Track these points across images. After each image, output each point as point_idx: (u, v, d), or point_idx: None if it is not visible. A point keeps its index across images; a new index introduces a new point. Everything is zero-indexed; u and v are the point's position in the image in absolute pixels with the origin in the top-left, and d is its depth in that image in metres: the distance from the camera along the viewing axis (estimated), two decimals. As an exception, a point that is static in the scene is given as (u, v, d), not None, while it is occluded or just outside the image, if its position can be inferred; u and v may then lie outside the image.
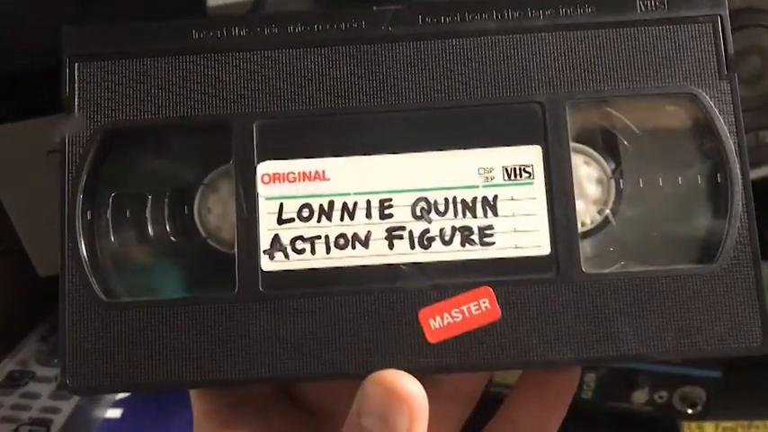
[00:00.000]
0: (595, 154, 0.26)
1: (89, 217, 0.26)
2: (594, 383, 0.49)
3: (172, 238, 0.26)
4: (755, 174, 0.42)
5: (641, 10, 0.25)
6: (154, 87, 0.25)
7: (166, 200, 0.26)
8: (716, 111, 0.25)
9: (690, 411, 0.49)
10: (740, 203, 0.24)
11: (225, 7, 0.54)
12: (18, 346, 0.49)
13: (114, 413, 0.48)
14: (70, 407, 0.45)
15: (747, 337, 0.23)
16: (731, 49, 0.26)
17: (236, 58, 0.25)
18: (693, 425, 0.54)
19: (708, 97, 0.25)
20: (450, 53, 0.25)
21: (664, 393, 0.48)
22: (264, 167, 0.25)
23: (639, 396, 0.48)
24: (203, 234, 0.26)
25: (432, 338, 0.23)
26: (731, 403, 0.57)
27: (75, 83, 0.26)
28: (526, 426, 0.27)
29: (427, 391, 0.23)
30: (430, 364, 0.23)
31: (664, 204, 0.26)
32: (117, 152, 0.26)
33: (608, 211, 0.26)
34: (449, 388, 0.29)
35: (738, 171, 0.25)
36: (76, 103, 0.26)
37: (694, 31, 0.25)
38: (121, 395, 0.50)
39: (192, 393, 0.27)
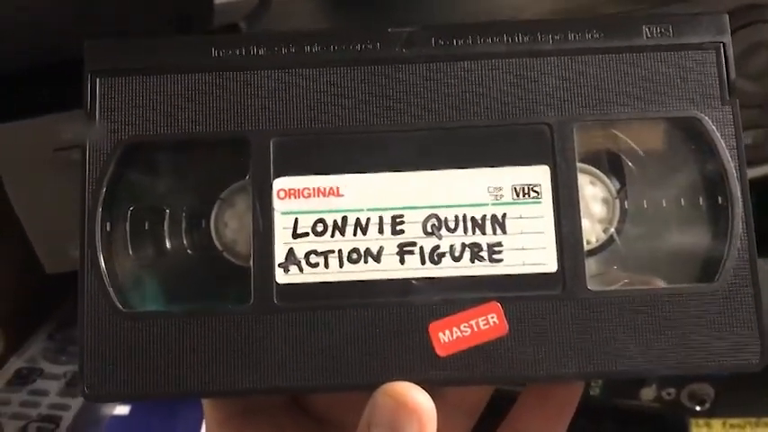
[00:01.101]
0: (601, 174, 0.27)
1: (108, 229, 0.26)
2: (602, 380, 0.49)
3: (188, 251, 0.27)
4: (761, 170, 0.42)
5: (647, 36, 0.26)
6: (173, 103, 0.26)
7: (183, 214, 0.27)
8: (718, 135, 0.26)
9: (698, 408, 0.49)
10: (740, 225, 0.25)
11: (231, 5, 0.55)
12: (26, 343, 0.49)
13: (122, 410, 0.48)
14: (79, 404, 0.45)
15: (746, 355, 0.24)
16: (733, 76, 0.26)
17: (254, 77, 0.26)
18: (701, 422, 0.54)
19: (710, 122, 0.26)
20: (461, 75, 0.26)
21: (672, 390, 0.48)
22: (280, 183, 0.25)
23: (647, 393, 0.48)
24: (219, 248, 0.27)
25: (441, 352, 0.24)
26: (740, 400, 0.56)
27: (96, 98, 0.26)
28: None
29: (434, 402, 0.23)
30: (439, 376, 0.24)
31: (666, 224, 0.26)
32: (136, 166, 0.26)
33: (612, 229, 0.27)
34: (454, 398, 0.29)
35: (739, 194, 0.25)
36: (98, 117, 0.26)
37: (698, 57, 0.26)
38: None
39: (205, 401, 0.28)
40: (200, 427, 0.47)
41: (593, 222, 0.27)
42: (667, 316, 0.24)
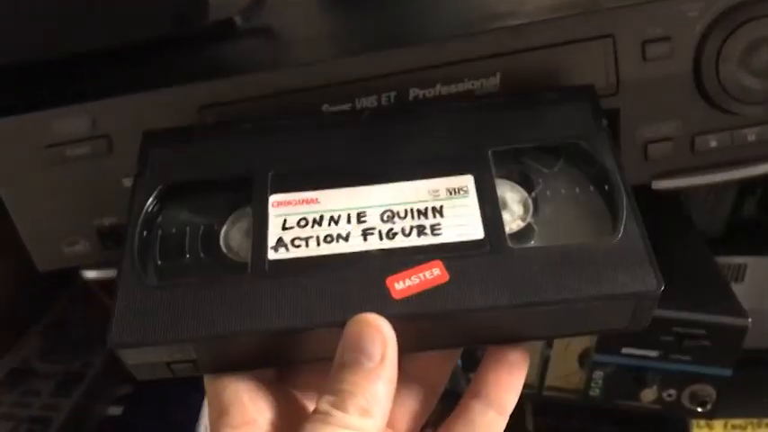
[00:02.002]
0: (517, 185, 0.35)
1: (144, 234, 0.34)
2: (602, 381, 0.48)
3: (202, 254, 0.34)
4: (765, 168, 0.41)
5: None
6: (198, 158, 0.35)
7: (200, 231, 0.35)
8: (599, 151, 0.34)
9: (699, 410, 0.49)
10: (624, 196, 0.32)
11: (225, 5, 0.54)
12: (18, 343, 0.48)
13: (115, 411, 0.48)
14: (70, 405, 0.44)
15: (646, 284, 0.29)
16: (602, 111, 0.35)
17: (256, 136, 0.36)
18: (703, 423, 0.54)
19: (591, 145, 0.34)
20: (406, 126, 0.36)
21: (673, 391, 0.48)
22: (274, 198, 0.34)
23: (648, 394, 0.48)
24: (225, 251, 0.34)
25: (396, 295, 0.30)
26: (741, 401, 0.56)
27: (147, 164, 0.36)
28: (491, 396, 0.31)
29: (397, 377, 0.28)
30: (396, 312, 0.29)
31: (572, 208, 0.34)
32: (168, 200, 0.35)
33: (530, 219, 0.33)
34: (416, 372, 0.33)
35: (620, 182, 0.33)
36: (147, 173, 0.35)
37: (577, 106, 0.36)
38: (123, 392, 0.50)
39: (208, 391, 0.31)
40: (192, 428, 0.47)
41: (514, 216, 0.34)
42: (577, 262, 0.30)
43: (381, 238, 0.32)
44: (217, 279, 0.31)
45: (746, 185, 0.63)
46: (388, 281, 0.30)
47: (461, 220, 0.32)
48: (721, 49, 0.37)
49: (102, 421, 0.47)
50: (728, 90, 0.38)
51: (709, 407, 0.49)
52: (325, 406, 0.28)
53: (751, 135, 0.40)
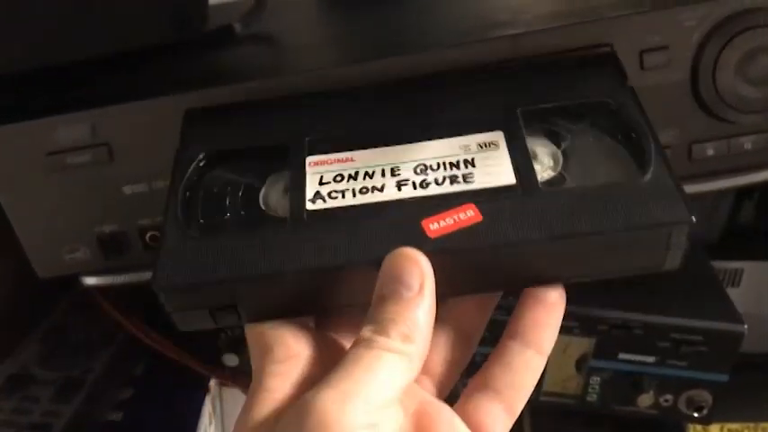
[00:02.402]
0: (546, 140, 0.35)
1: (187, 195, 0.35)
2: (599, 387, 0.49)
3: (242, 212, 0.34)
4: (765, 175, 0.42)
5: None
6: (237, 129, 0.37)
7: (240, 191, 0.35)
8: (626, 106, 0.34)
9: (696, 415, 0.49)
10: (651, 139, 0.33)
11: (226, 6, 0.54)
12: (18, 348, 0.48)
13: (115, 416, 0.48)
14: (70, 411, 0.44)
15: (676, 213, 0.29)
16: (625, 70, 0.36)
17: (292, 108, 0.37)
18: (699, 428, 0.54)
19: (617, 102, 0.34)
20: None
21: (669, 397, 0.48)
22: (311, 158, 0.34)
23: (645, 399, 0.48)
24: (263, 208, 0.34)
25: (432, 234, 0.30)
26: (737, 406, 0.56)
27: (189, 136, 0.37)
28: (528, 336, 0.32)
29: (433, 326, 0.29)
30: (431, 248, 0.29)
31: (601, 158, 0.34)
32: (209, 166, 0.36)
33: (560, 169, 0.33)
34: (450, 320, 0.33)
35: (648, 130, 0.33)
36: (189, 144, 0.37)
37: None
38: (123, 397, 0.50)
39: (250, 337, 0.32)
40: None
41: (544, 167, 0.34)
42: (609, 199, 0.30)
43: (415, 188, 0.32)
44: (257, 228, 0.32)
45: (743, 191, 0.64)
46: (423, 222, 0.30)
47: (493, 170, 0.32)
48: (718, 58, 0.38)
49: (103, 427, 0.47)
50: (725, 99, 0.38)
51: (705, 412, 0.49)
52: (367, 333, 0.28)
53: (747, 143, 0.40)
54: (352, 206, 0.32)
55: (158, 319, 0.50)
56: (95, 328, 0.51)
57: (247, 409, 0.29)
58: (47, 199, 0.40)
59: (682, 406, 0.48)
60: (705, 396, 0.48)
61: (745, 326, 0.45)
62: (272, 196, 0.35)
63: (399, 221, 0.31)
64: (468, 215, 0.30)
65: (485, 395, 0.32)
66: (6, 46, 0.40)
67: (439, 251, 0.29)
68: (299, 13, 0.56)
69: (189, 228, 0.33)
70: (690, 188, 0.41)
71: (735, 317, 0.46)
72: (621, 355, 0.47)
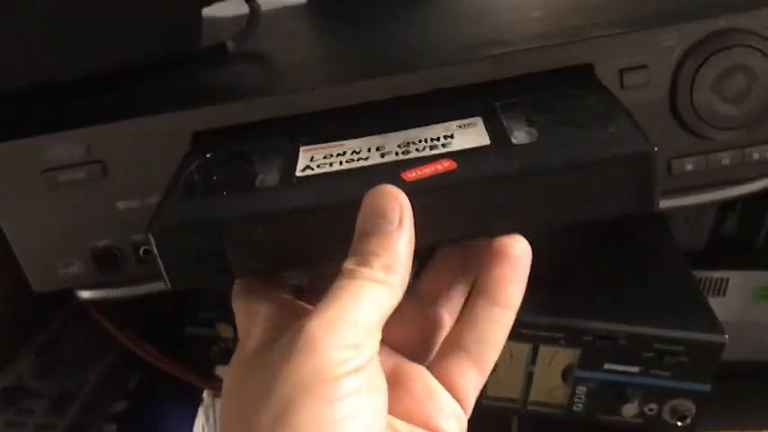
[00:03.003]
0: (522, 122, 0.35)
1: (186, 181, 0.36)
2: (584, 396, 0.49)
3: (238, 188, 0.35)
4: (743, 189, 0.43)
5: None
6: (240, 139, 0.39)
7: (238, 176, 0.36)
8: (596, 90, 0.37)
9: (680, 424, 0.50)
10: (618, 104, 0.35)
11: (218, 25, 0.55)
12: (13, 361, 0.49)
13: (109, 428, 0.48)
14: (65, 423, 0.45)
15: (639, 145, 0.31)
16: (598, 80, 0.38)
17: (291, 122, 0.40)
18: (684, 436, 0.55)
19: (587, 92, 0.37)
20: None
21: (653, 406, 0.49)
22: (304, 147, 0.36)
23: (629, 409, 0.49)
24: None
25: (408, 179, 0.32)
26: (720, 415, 0.57)
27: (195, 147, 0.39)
28: (494, 292, 0.33)
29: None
30: (407, 188, 0.30)
31: (572, 129, 0.34)
32: (210, 162, 0.38)
33: (533, 140, 0.34)
34: (423, 295, 0.35)
35: (616, 99, 0.35)
36: (194, 151, 0.39)
37: None
38: (117, 409, 0.51)
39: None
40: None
41: (519, 140, 0.34)
42: (577, 145, 0.31)
43: (397, 155, 0.34)
44: (249, 189, 0.34)
45: (727, 203, 0.65)
46: (402, 174, 0.32)
47: (470, 137, 0.34)
48: (695, 77, 0.39)
49: (97, 438, 0.47)
50: (703, 116, 0.39)
51: (688, 421, 0.50)
52: (351, 265, 0.29)
53: (725, 159, 0.41)
54: (337, 171, 0.34)
55: (152, 332, 0.51)
56: (91, 340, 0.51)
57: (238, 348, 0.31)
58: (42, 215, 0.41)
59: (666, 415, 0.49)
60: (688, 405, 0.49)
61: (726, 336, 0.46)
62: (269, 180, 0.35)
63: (381, 175, 0.32)
64: (444, 166, 0.32)
65: (456, 354, 0.33)
66: (1, 64, 0.41)
67: (415, 191, 0.30)
68: (291, 32, 0.57)
69: (187, 193, 0.35)
70: (671, 202, 0.43)
71: (716, 327, 0.47)
72: (606, 366, 0.48)
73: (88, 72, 0.44)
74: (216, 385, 0.50)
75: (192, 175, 0.36)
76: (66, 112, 0.43)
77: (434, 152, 0.33)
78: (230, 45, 0.49)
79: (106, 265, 0.42)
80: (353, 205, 0.30)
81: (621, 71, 0.39)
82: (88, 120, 0.40)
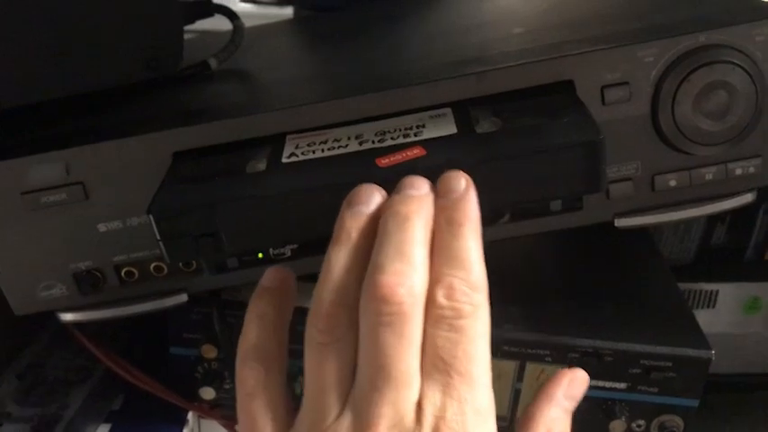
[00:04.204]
0: (491, 117, 0.38)
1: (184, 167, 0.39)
2: (573, 413, 0.49)
3: (229, 176, 0.38)
4: (726, 205, 0.43)
5: None
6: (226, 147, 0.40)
7: (228, 167, 0.39)
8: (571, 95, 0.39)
9: (668, 439, 0.50)
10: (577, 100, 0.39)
11: (200, 42, 0.55)
12: (-5, 385, 0.48)
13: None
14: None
15: (587, 133, 0.34)
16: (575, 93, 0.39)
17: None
18: (673, 451, 0.54)
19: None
20: None
21: (642, 422, 0.49)
22: (291, 135, 0.40)
23: (618, 425, 0.49)
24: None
25: (381, 165, 0.35)
26: (711, 426, 0.57)
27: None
28: None
29: None
30: (381, 175, 0.33)
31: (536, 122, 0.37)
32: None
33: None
34: None
35: (580, 101, 0.38)
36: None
37: None
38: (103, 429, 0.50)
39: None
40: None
41: (485, 128, 0.37)
42: (532, 132, 0.35)
43: (374, 143, 0.37)
44: (239, 175, 0.37)
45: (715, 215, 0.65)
46: (377, 161, 0.35)
47: (440, 127, 0.37)
48: (676, 93, 0.39)
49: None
50: (684, 132, 0.39)
51: (677, 436, 0.50)
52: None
53: (708, 174, 0.41)
54: (319, 157, 0.37)
55: (136, 354, 0.51)
56: (73, 362, 0.51)
57: None
58: (22, 237, 0.41)
59: (654, 431, 0.49)
60: (677, 421, 0.48)
61: (713, 351, 0.46)
62: (257, 167, 0.38)
63: (357, 164, 0.36)
64: (415, 152, 0.35)
65: None
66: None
67: (387, 177, 0.33)
68: (273, 50, 0.57)
69: (183, 180, 0.38)
70: (655, 218, 0.43)
71: (702, 343, 0.47)
72: (593, 382, 0.48)
73: (69, 93, 0.43)
74: (200, 407, 0.50)
75: (188, 164, 0.39)
76: (46, 133, 0.42)
77: (407, 140, 0.36)
78: (213, 63, 0.49)
79: (88, 287, 0.42)
80: (333, 188, 0.33)
81: (603, 87, 0.39)
82: (68, 141, 0.40)
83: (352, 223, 0.31)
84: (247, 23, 0.52)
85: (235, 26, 0.51)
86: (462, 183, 0.31)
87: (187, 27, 0.49)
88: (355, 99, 0.40)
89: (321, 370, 0.30)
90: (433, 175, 0.32)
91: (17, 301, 0.42)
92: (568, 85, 0.39)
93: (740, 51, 0.39)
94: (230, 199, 0.35)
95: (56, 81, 0.43)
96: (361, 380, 0.29)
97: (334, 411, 0.30)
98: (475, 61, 0.41)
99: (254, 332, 0.33)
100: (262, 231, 0.35)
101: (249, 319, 0.34)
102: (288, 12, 0.77)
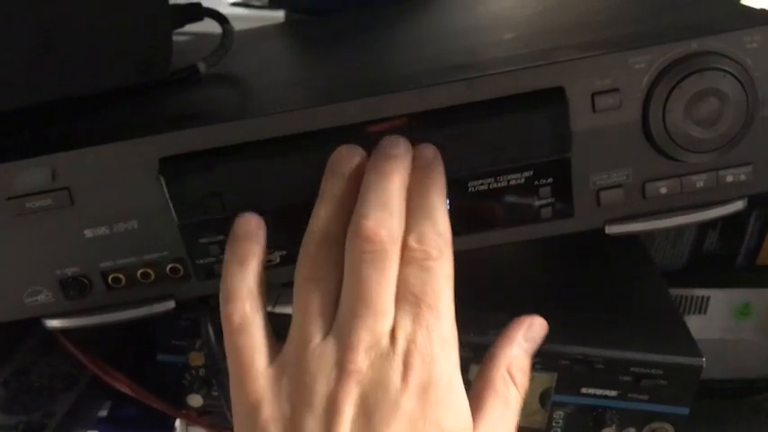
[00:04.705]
0: None
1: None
2: (562, 421, 0.49)
3: None
4: (717, 212, 0.42)
5: None
6: None
7: None
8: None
9: (658, 447, 0.50)
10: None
11: (190, 46, 0.55)
12: (-21, 393, 0.48)
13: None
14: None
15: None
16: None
17: None
18: (664, 459, 0.54)
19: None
20: None
21: (632, 430, 0.48)
22: None
23: (608, 433, 0.49)
24: None
25: (370, 131, 0.38)
26: (703, 432, 0.57)
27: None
28: None
29: None
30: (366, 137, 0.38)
31: None
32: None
33: None
34: None
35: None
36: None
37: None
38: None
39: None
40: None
41: None
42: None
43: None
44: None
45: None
46: (368, 129, 0.39)
47: None
48: (667, 100, 0.39)
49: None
50: (675, 139, 0.39)
51: (668, 444, 0.49)
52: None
53: (699, 182, 0.41)
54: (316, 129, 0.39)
55: (123, 361, 0.50)
56: (59, 369, 0.50)
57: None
58: (8, 243, 0.40)
59: (645, 439, 0.49)
60: (667, 428, 0.48)
61: (704, 359, 0.46)
62: None
63: (351, 131, 0.39)
64: (400, 120, 0.39)
65: None
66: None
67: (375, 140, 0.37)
68: (264, 53, 0.57)
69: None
70: (646, 225, 0.42)
71: (693, 350, 0.46)
72: (584, 390, 0.47)
73: (56, 97, 0.43)
74: (188, 414, 0.49)
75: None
76: (32, 138, 0.42)
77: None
78: (202, 67, 0.49)
79: (74, 293, 0.41)
80: (326, 146, 0.38)
81: (593, 94, 0.39)
82: (54, 146, 0.39)
83: (335, 181, 0.36)
84: (238, 27, 0.52)
85: (224, 30, 0.51)
86: (431, 152, 0.37)
87: (176, 31, 0.49)
88: (345, 104, 0.39)
89: (307, 301, 0.35)
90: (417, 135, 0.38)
91: (2, 308, 0.42)
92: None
93: (731, 59, 0.38)
94: (231, 161, 0.39)
95: (42, 85, 0.42)
96: (344, 309, 0.34)
97: (318, 336, 0.34)
98: (465, 67, 0.40)
99: (235, 274, 0.37)
100: (259, 193, 0.39)
101: (229, 262, 0.37)
102: (279, 15, 0.77)
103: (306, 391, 0.33)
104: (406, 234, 0.35)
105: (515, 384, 0.38)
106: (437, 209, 0.36)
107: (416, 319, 0.33)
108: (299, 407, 0.33)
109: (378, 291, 0.33)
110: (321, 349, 0.34)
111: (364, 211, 0.35)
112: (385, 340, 0.33)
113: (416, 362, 0.33)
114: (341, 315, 0.34)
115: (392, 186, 0.35)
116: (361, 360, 0.33)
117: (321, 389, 0.33)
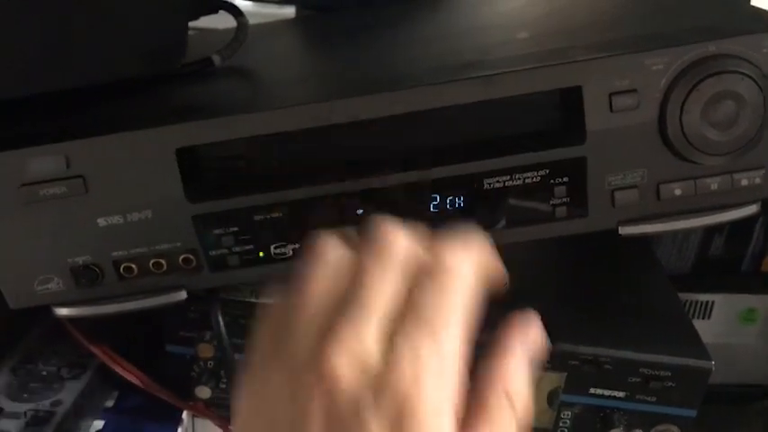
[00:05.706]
0: None
1: None
2: (570, 421, 0.49)
3: None
4: (730, 215, 0.42)
5: None
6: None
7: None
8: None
9: (665, 449, 0.50)
10: None
11: (204, 38, 0.54)
12: (-12, 380, 0.48)
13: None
14: (39, 444, 0.44)
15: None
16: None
17: None
18: (669, 461, 0.54)
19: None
20: None
21: (639, 431, 0.49)
22: None
23: (615, 434, 0.49)
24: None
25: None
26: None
27: None
28: None
29: None
30: None
31: None
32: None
33: None
34: None
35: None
36: None
37: None
38: (94, 428, 0.50)
39: None
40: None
41: None
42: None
43: None
44: None
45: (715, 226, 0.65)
46: None
47: None
48: (684, 102, 0.39)
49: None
50: (691, 141, 0.39)
51: (674, 446, 0.50)
52: None
53: (714, 184, 0.41)
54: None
55: (131, 351, 0.50)
56: (67, 358, 0.50)
57: None
58: (20, 230, 0.40)
59: (651, 440, 0.49)
60: (674, 430, 0.48)
61: (713, 362, 0.46)
62: None
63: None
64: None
65: None
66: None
67: None
68: (278, 47, 0.57)
69: None
70: (659, 227, 0.42)
71: (702, 353, 0.46)
72: (592, 390, 0.47)
73: (71, 86, 0.43)
74: (196, 405, 0.49)
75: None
76: (47, 125, 0.42)
77: None
78: (216, 59, 0.49)
79: (86, 281, 0.41)
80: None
81: (611, 94, 0.39)
82: (69, 134, 0.39)
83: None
84: (251, 20, 0.52)
85: (239, 23, 0.51)
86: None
87: (191, 23, 0.49)
88: (359, 99, 0.39)
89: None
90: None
91: (13, 295, 0.42)
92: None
93: (749, 62, 0.38)
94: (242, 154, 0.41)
95: (57, 73, 0.42)
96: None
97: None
98: (481, 65, 0.40)
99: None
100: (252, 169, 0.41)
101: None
102: (289, 11, 0.77)
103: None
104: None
105: (513, 407, 0.32)
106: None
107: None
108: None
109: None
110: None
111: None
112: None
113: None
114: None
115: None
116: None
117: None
